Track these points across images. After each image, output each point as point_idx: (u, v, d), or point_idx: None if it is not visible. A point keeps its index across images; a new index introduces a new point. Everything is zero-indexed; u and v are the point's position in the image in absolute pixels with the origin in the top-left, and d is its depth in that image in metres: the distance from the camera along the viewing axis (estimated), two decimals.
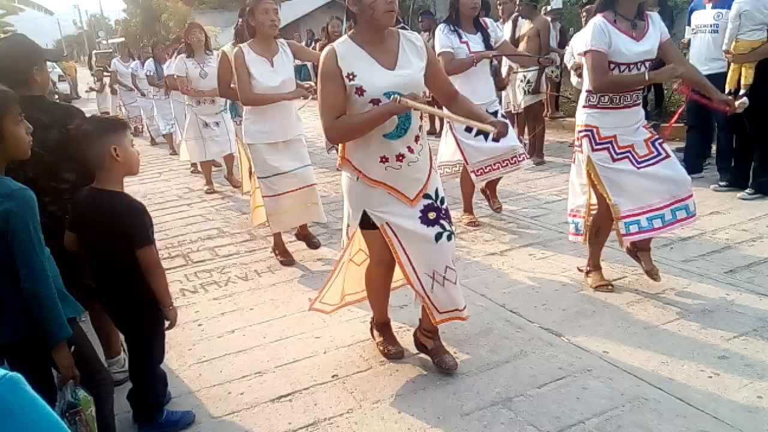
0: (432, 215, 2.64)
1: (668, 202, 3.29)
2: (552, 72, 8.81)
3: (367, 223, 2.67)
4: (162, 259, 4.34)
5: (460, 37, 4.47)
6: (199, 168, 7.28)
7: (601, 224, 3.47)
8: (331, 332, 3.24)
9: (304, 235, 4.53)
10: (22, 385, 0.77)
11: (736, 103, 4.84)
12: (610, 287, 3.46)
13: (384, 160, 2.56)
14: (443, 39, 4.49)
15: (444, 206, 2.69)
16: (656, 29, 3.20)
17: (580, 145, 3.38)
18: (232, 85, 4.26)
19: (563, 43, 8.63)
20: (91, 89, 14.19)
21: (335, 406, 2.59)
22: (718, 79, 5.08)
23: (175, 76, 6.58)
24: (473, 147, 4.56)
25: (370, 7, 2.41)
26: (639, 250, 3.52)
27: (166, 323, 2.41)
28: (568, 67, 7.23)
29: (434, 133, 9.03)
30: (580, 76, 6.90)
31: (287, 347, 3.12)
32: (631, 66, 3.14)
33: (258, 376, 2.87)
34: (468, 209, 4.93)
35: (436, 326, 2.82)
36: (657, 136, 3.32)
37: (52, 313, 1.88)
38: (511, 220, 4.86)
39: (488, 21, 4.69)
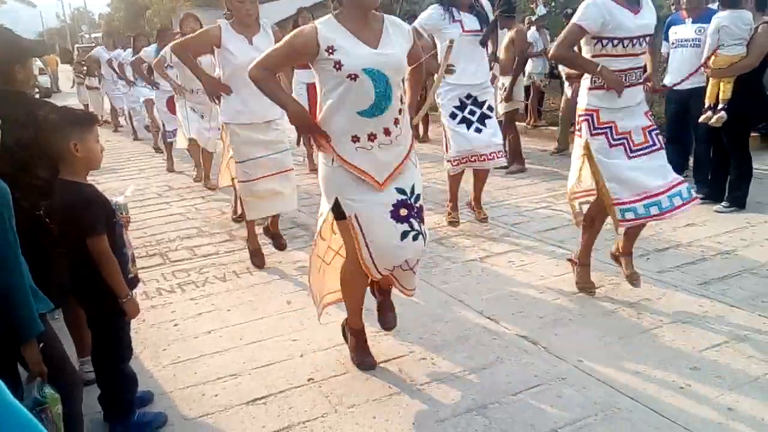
0: (403, 212, 2.64)
1: (663, 189, 3.30)
2: (540, 81, 8.90)
3: (340, 214, 2.65)
4: (139, 257, 4.32)
5: (453, 17, 4.42)
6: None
7: (595, 213, 3.50)
8: (309, 335, 3.22)
9: (273, 233, 4.48)
10: None
11: (714, 117, 4.95)
12: (591, 291, 3.50)
13: (355, 139, 2.55)
14: (427, 17, 4.48)
15: (418, 204, 2.69)
16: (650, 7, 3.25)
17: (580, 129, 3.41)
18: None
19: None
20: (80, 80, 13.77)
21: (310, 410, 2.57)
22: (701, 93, 5.16)
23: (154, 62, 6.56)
24: (459, 134, 4.54)
25: None
26: (622, 255, 3.55)
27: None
28: (563, 77, 7.26)
29: (417, 137, 9.06)
30: (572, 85, 6.97)
31: (264, 350, 3.10)
32: (634, 40, 3.17)
33: (233, 378, 2.84)
34: (453, 200, 4.87)
35: (390, 286, 2.97)
36: (654, 126, 3.37)
37: (25, 309, 1.85)
38: (491, 227, 4.89)
39: (483, 2, 4.64)
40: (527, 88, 9.40)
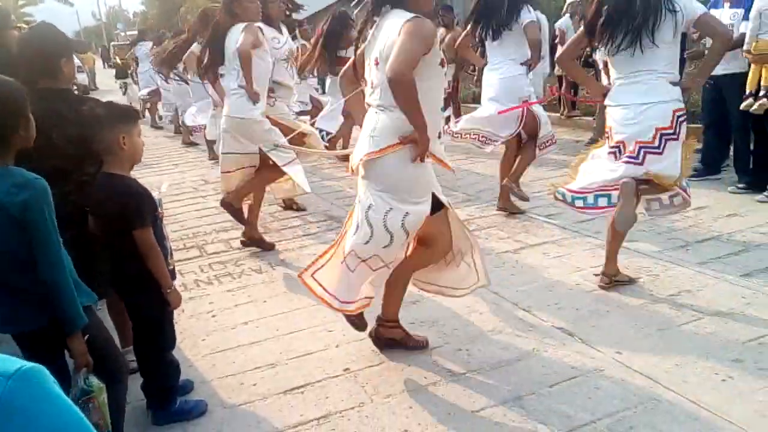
0: None
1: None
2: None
3: (436, 207, 2.63)
4: (177, 250, 4.42)
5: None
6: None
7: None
8: (343, 326, 3.23)
9: (256, 238, 4.62)
10: (38, 380, 0.71)
11: (756, 104, 4.81)
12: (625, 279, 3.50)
13: (439, 136, 2.66)
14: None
15: None
16: None
17: (678, 132, 3.23)
18: None
19: None
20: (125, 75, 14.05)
21: (347, 400, 2.60)
22: (737, 78, 5.03)
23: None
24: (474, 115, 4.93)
25: None
26: (616, 275, 3.53)
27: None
28: (599, 66, 7.12)
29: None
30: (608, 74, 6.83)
31: (300, 340, 3.14)
32: None
33: (270, 368, 2.89)
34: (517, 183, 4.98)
35: (396, 315, 2.93)
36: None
37: (69, 302, 1.90)
38: (526, 218, 4.85)
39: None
40: (559, 78, 9.27)
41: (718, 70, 5.15)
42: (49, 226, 1.84)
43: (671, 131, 3.20)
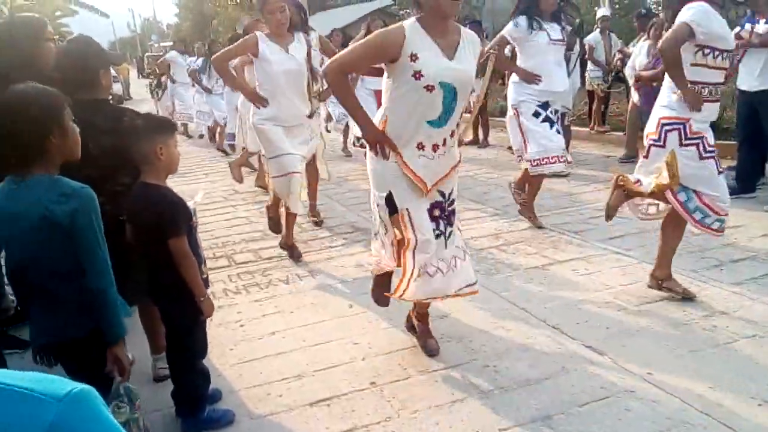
0: (436, 212, 2.78)
1: None
2: (598, 85, 8.68)
3: (393, 210, 2.73)
4: (206, 259, 4.44)
5: (541, 26, 4.59)
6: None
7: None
8: (370, 339, 3.25)
9: (289, 245, 4.64)
10: (89, 402, 0.69)
11: None
12: (678, 292, 3.44)
13: (420, 146, 2.64)
14: (513, 28, 4.65)
15: (450, 208, 2.81)
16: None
17: (663, 140, 3.28)
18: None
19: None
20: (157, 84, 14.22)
21: (372, 414, 2.59)
22: None
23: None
24: (541, 133, 4.68)
25: None
26: (667, 280, 3.50)
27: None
28: (630, 83, 7.06)
29: (476, 142, 8.99)
30: (639, 93, 6.77)
31: (326, 352, 3.14)
32: (727, 53, 3.15)
33: (297, 379, 2.90)
34: (529, 201, 4.95)
35: (427, 311, 3.06)
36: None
37: (114, 311, 1.93)
38: (554, 234, 4.80)
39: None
40: (589, 93, 9.20)
41: (753, 86, 5.08)
42: (98, 235, 1.87)
43: (656, 138, 3.32)
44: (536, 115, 4.68)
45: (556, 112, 4.76)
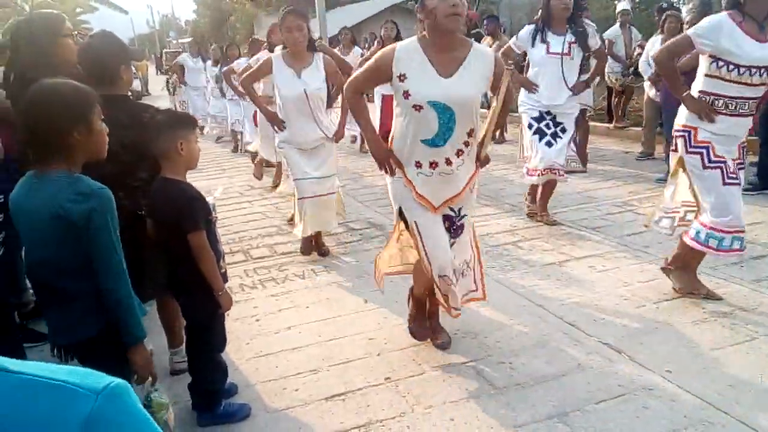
0: (446, 224, 2.82)
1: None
2: (616, 80, 8.57)
3: (406, 220, 2.84)
4: (224, 254, 4.48)
5: (543, 38, 4.59)
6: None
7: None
8: (386, 334, 3.25)
9: (317, 245, 4.63)
10: (125, 397, 0.69)
11: None
12: (701, 293, 3.37)
13: (418, 164, 2.68)
14: (519, 36, 4.76)
15: (459, 222, 2.85)
16: None
17: (676, 145, 3.33)
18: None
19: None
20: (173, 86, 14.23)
21: (387, 409, 2.60)
22: None
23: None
24: (529, 144, 4.80)
25: (432, 12, 2.43)
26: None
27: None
28: (645, 78, 6.97)
29: (493, 138, 8.94)
30: (657, 88, 6.68)
31: (341, 347, 3.15)
32: (753, 70, 3.02)
33: (312, 374, 2.91)
34: (543, 210, 4.98)
35: (437, 308, 3.07)
36: (742, 161, 3.31)
37: (130, 313, 1.89)
38: (571, 230, 4.76)
39: (587, 23, 4.82)
40: (609, 89, 9.09)
41: None
42: (113, 236, 1.84)
43: (673, 141, 3.36)
44: (529, 126, 4.77)
45: (555, 125, 4.73)
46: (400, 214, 2.85)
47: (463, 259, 2.90)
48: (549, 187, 4.92)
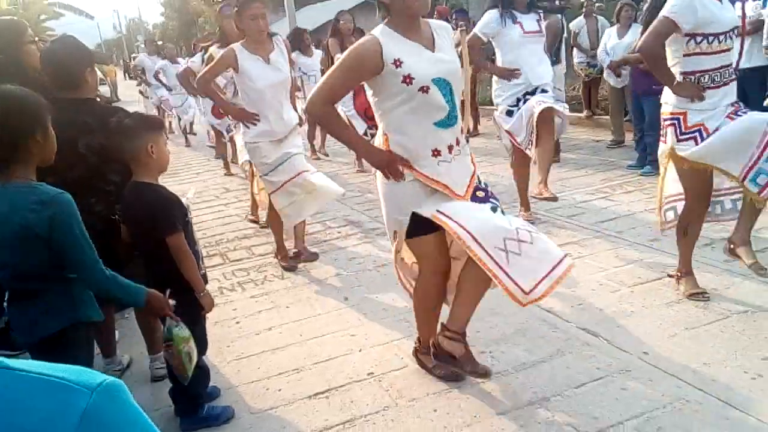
0: (480, 194, 2.54)
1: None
2: (582, 70, 8.67)
3: (416, 230, 2.49)
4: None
5: (514, 18, 4.42)
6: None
7: (690, 220, 3.27)
8: (366, 330, 3.26)
9: (299, 251, 4.41)
10: (120, 394, 0.70)
11: None
12: (704, 296, 3.25)
13: (436, 153, 2.41)
14: (485, 24, 4.49)
15: (489, 189, 2.61)
16: None
17: (665, 135, 3.19)
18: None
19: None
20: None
21: (371, 404, 2.61)
22: (756, 73, 4.93)
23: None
24: (515, 125, 4.54)
25: None
26: (739, 246, 3.24)
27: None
28: (604, 66, 7.07)
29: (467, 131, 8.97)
30: (618, 75, 6.79)
31: (323, 345, 3.15)
32: (727, 35, 2.97)
33: (295, 373, 2.91)
34: (524, 204, 4.87)
35: (465, 328, 2.62)
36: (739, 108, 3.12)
37: (124, 293, 2.02)
38: (547, 219, 4.82)
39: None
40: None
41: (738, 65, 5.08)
42: (80, 240, 1.85)
43: (662, 132, 3.24)
44: (509, 114, 4.56)
45: (536, 89, 4.50)
46: (410, 224, 2.49)
47: (515, 229, 2.40)
48: (521, 177, 4.83)
